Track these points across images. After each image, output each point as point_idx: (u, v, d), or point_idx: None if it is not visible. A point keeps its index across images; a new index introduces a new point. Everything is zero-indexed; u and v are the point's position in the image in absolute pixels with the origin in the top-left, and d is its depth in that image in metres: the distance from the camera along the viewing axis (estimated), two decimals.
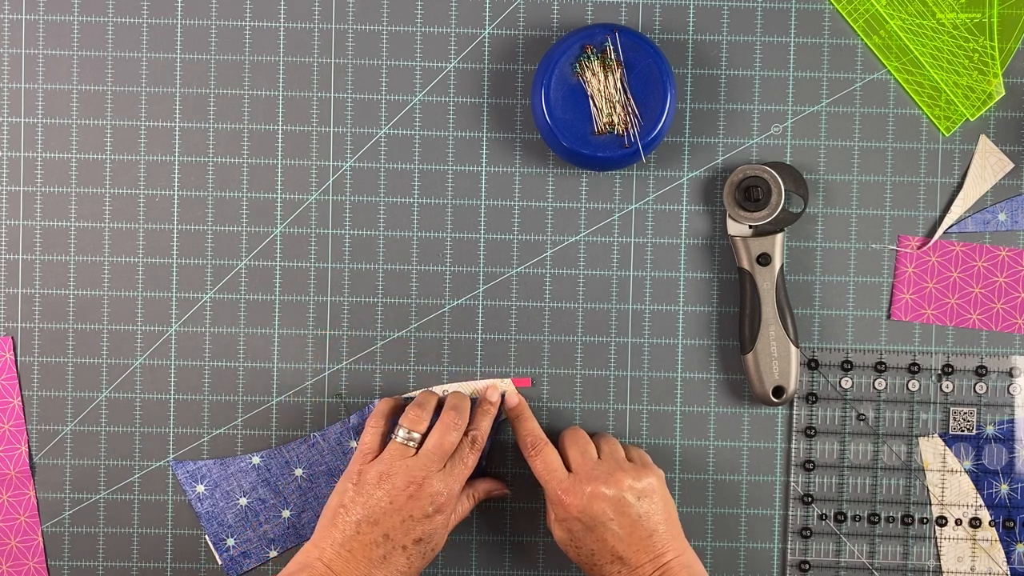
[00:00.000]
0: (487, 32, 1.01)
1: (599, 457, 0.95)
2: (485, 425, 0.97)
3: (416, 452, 0.93)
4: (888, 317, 1.01)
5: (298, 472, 1.01)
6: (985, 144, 1.01)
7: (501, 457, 1.02)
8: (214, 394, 1.01)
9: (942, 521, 1.01)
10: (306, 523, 1.01)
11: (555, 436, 0.98)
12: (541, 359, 1.02)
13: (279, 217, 1.01)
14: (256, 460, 1.01)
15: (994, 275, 1.01)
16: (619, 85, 0.97)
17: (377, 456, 0.94)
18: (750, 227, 1.00)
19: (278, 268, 1.01)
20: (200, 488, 1.01)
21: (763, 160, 1.01)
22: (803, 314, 1.01)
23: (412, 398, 1.00)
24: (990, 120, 1.01)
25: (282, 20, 1.01)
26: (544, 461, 0.95)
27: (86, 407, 1.01)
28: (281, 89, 1.01)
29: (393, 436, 0.95)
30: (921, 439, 1.01)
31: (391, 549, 0.91)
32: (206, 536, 1.01)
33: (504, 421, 1.01)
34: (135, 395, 1.01)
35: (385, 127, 1.01)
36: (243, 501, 1.01)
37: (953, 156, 1.01)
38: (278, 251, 1.01)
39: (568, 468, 0.95)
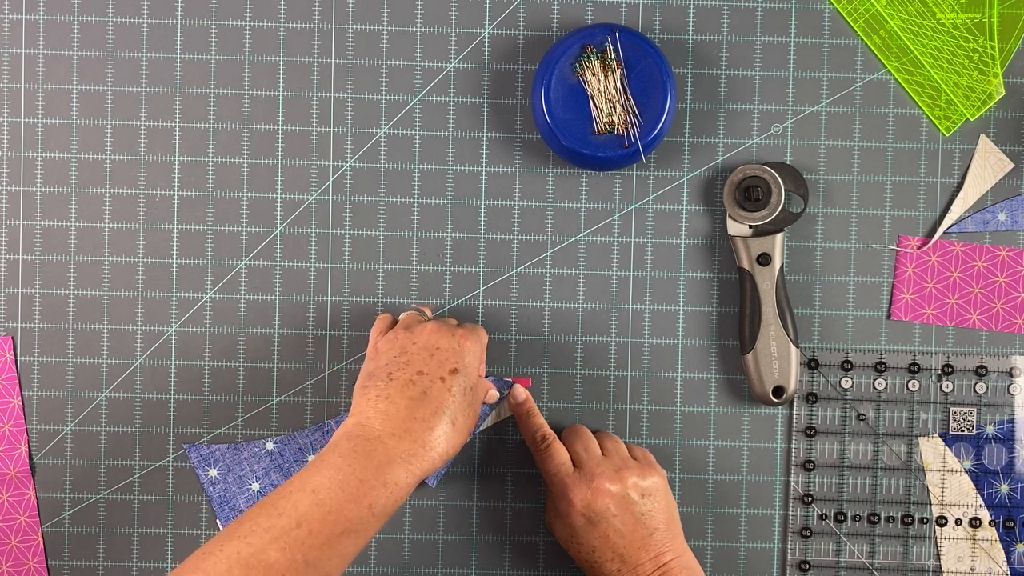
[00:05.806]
0: (487, 32, 1.01)
1: (603, 454, 0.95)
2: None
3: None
4: (888, 317, 1.01)
5: (311, 459, 1.01)
6: (985, 144, 1.01)
7: (501, 457, 1.02)
8: (214, 394, 1.01)
9: (942, 521, 1.01)
10: None
11: (556, 434, 0.98)
12: (541, 359, 1.01)
13: (279, 217, 1.01)
14: (270, 446, 1.01)
15: (994, 275, 1.01)
16: (619, 85, 0.97)
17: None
18: (750, 227, 1.00)
19: (278, 268, 1.01)
20: (213, 472, 1.01)
21: (763, 160, 1.01)
22: (803, 314, 1.01)
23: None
24: (990, 120, 1.01)
25: (282, 20, 1.01)
26: (553, 456, 0.95)
27: (86, 407, 1.01)
28: (281, 89, 1.01)
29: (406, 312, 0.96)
30: (921, 439, 1.01)
31: (428, 383, 0.88)
32: (218, 521, 1.01)
33: (502, 422, 1.01)
34: (135, 395, 1.01)
35: (385, 127, 1.01)
36: (255, 486, 1.01)
37: (953, 156, 1.01)
38: (278, 251, 1.01)
39: (573, 464, 0.95)
